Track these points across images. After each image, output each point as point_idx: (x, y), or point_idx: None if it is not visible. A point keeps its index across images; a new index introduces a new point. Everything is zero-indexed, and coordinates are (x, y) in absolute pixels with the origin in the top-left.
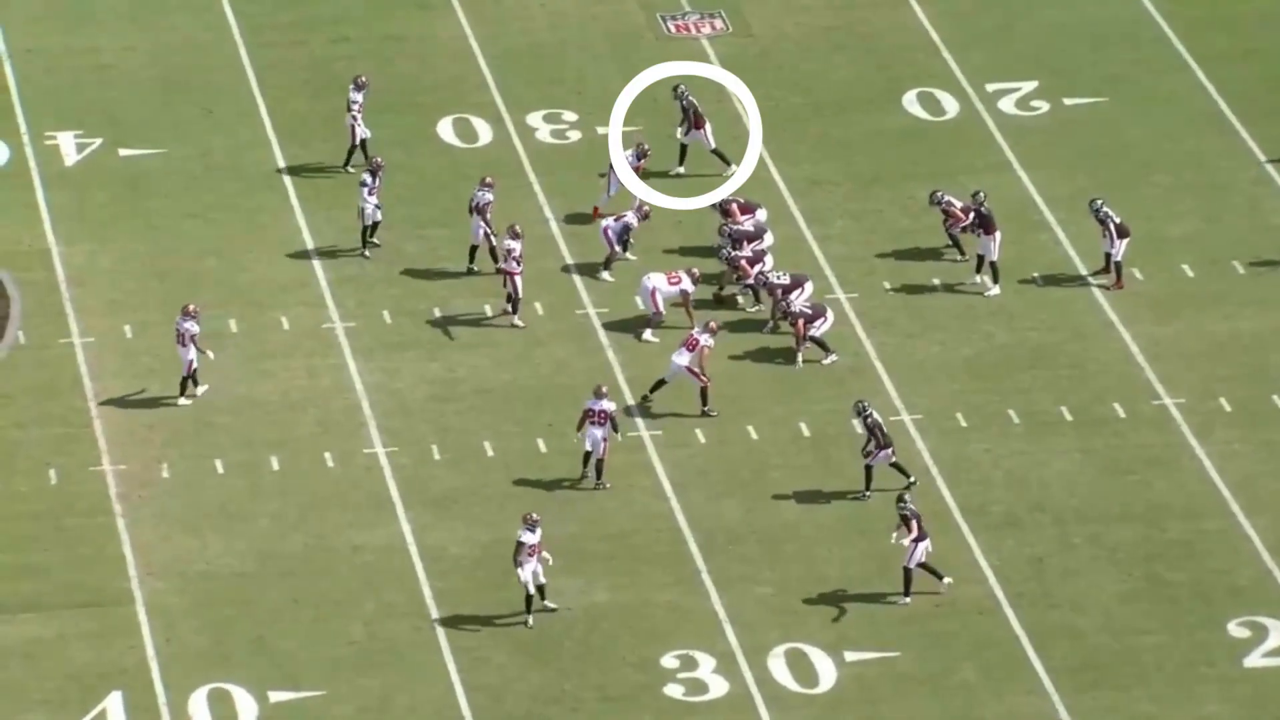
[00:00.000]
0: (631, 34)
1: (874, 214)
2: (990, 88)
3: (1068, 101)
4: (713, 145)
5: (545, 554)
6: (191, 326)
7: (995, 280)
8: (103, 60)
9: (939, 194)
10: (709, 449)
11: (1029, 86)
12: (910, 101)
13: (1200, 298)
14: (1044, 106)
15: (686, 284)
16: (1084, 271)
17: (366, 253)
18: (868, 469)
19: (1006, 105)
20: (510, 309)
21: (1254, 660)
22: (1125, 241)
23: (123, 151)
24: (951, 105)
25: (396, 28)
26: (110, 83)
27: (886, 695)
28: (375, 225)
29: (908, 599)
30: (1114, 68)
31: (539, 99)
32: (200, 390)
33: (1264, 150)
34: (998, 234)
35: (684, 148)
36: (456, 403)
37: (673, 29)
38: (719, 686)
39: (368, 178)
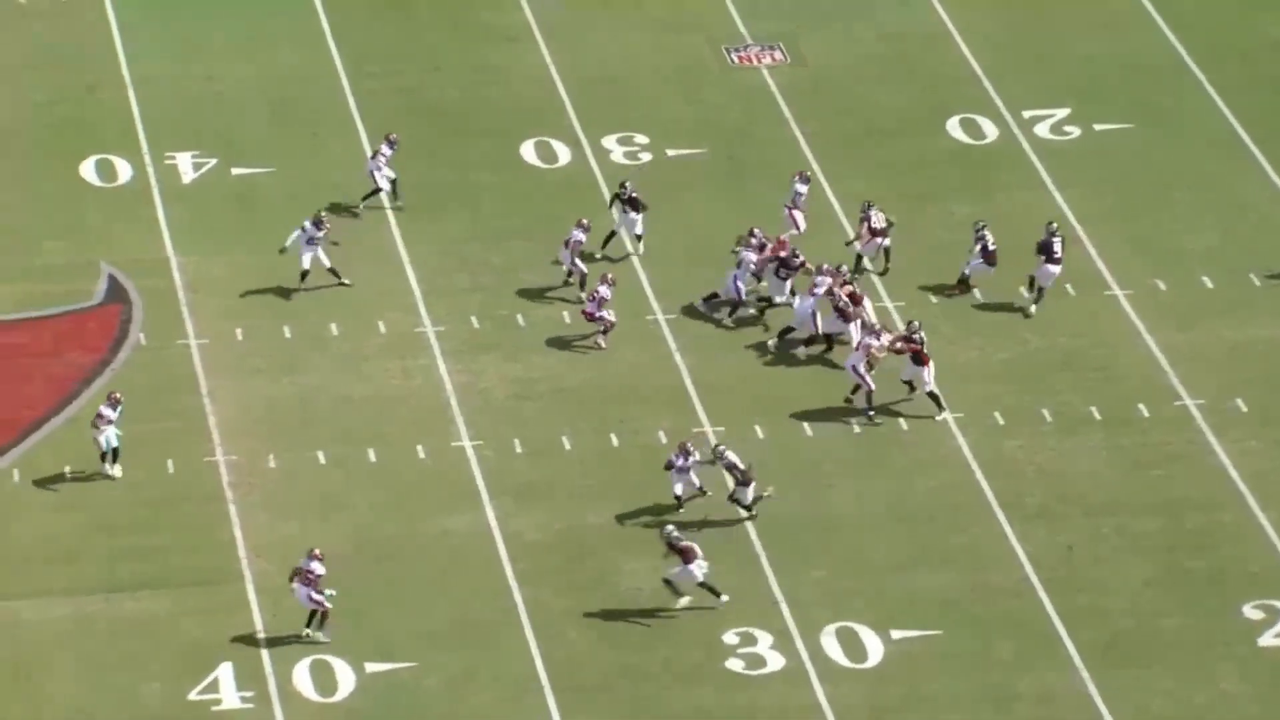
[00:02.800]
0: (698, 65)
1: (919, 228)
2: (1027, 114)
3: (1098, 127)
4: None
5: (328, 591)
6: (108, 412)
7: (1038, 301)
8: (217, 87)
9: (980, 226)
10: (767, 444)
11: (1062, 113)
12: (953, 126)
13: (1218, 307)
14: (1076, 131)
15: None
16: (1112, 283)
17: (400, 203)
18: (737, 503)
19: (1042, 130)
20: (602, 333)
21: (1267, 640)
22: (990, 268)
23: (235, 170)
24: (991, 130)
25: (485, 59)
26: (224, 108)
27: (929, 671)
28: (394, 182)
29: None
30: (1140, 96)
31: (613, 123)
32: (116, 470)
33: (1277, 171)
34: (1058, 268)
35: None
36: (535, 401)
37: (736, 60)
38: (775, 661)
39: (385, 148)
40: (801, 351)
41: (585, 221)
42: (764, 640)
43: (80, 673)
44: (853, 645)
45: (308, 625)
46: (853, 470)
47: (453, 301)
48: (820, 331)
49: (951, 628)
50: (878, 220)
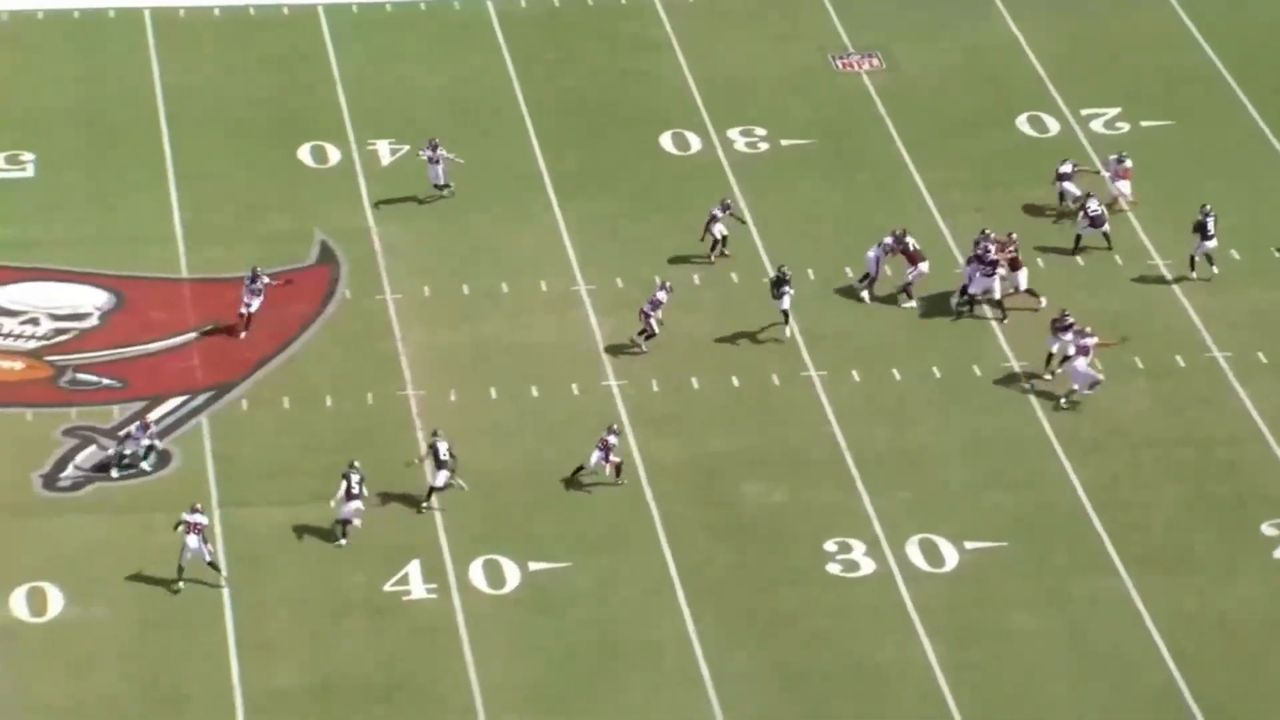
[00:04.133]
0: (809, 69)
1: (992, 210)
2: (1084, 112)
3: (1144, 124)
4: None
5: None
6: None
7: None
8: (410, 86)
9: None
10: (863, 385)
11: (1114, 111)
12: (1021, 122)
13: (1244, 276)
14: (1125, 127)
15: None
16: (1154, 254)
17: (448, 192)
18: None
19: (1097, 126)
20: (644, 336)
21: None
22: (923, 265)
23: (424, 154)
24: (1054, 125)
25: (631, 64)
26: (416, 104)
27: (997, 575)
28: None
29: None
30: (1180, 98)
31: (737, 118)
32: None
33: None
34: (1212, 243)
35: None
36: (670, 347)
37: (840, 66)
38: (868, 566)
39: (429, 151)
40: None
41: (727, 201)
42: (858, 549)
43: (297, 567)
44: (933, 553)
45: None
46: (934, 409)
47: (602, 265)
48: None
49: (1016, 540)
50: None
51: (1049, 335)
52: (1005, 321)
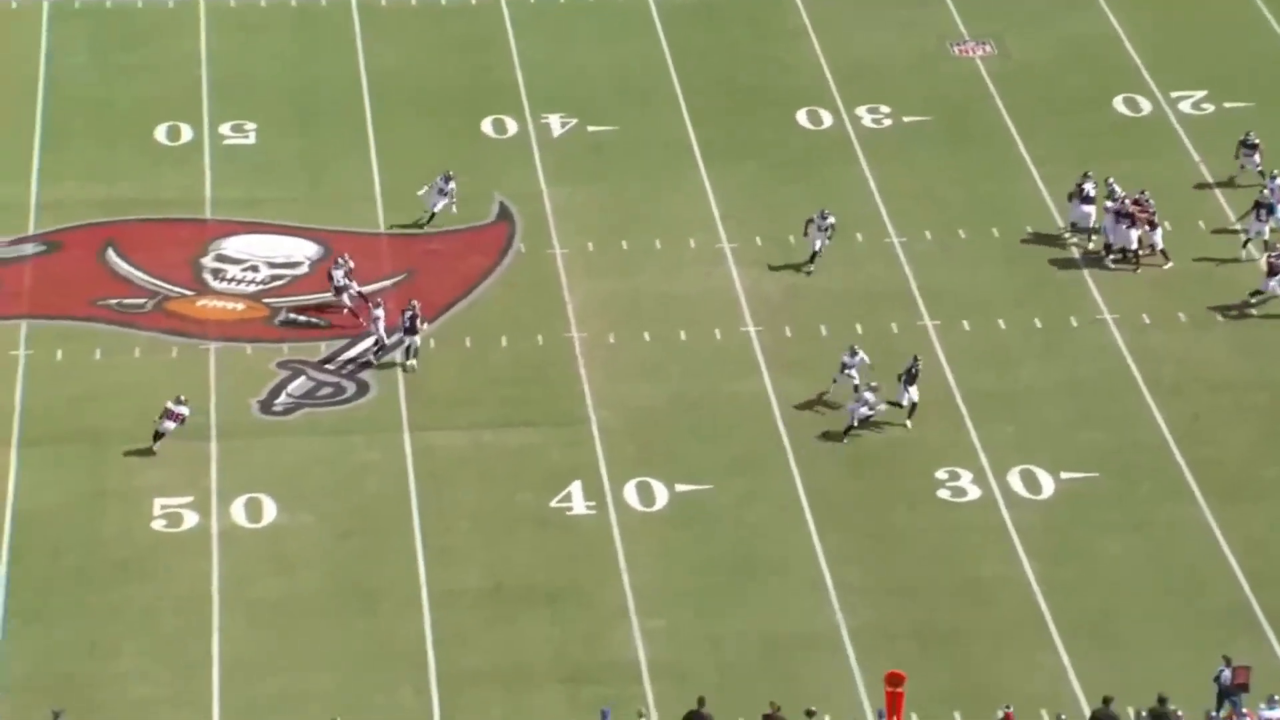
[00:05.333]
0: (929, 54)
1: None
2: (1173, 94)
3: (1227, 105)
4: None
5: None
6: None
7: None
8: (581, 66)
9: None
10: (972, 334)
11: (1200, 94)
12: (1117, 103)
13: None
14: (1210, 108)
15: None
16: (1234, 220)
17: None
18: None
19: (1185, 107)
20: None
21: None
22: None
23: (590, 128)
24: (1146, 106)
25: (772, 50)
26: (584, 83)
27: (1089, 502)
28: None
29: None
30: (1260, 81)
31: (865, 97)
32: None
33: None
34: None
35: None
36: (801, 299)
37: (957, 52)
38: (974, 492)
39: (440, 182)
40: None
41: (825, 211)
42: (965, 477)
43: (475, 485)
44: (1031, 482)
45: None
46: (1035, 354)
47: (743, 225)
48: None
49: (1106, 472)
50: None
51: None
52: (1137, 272)
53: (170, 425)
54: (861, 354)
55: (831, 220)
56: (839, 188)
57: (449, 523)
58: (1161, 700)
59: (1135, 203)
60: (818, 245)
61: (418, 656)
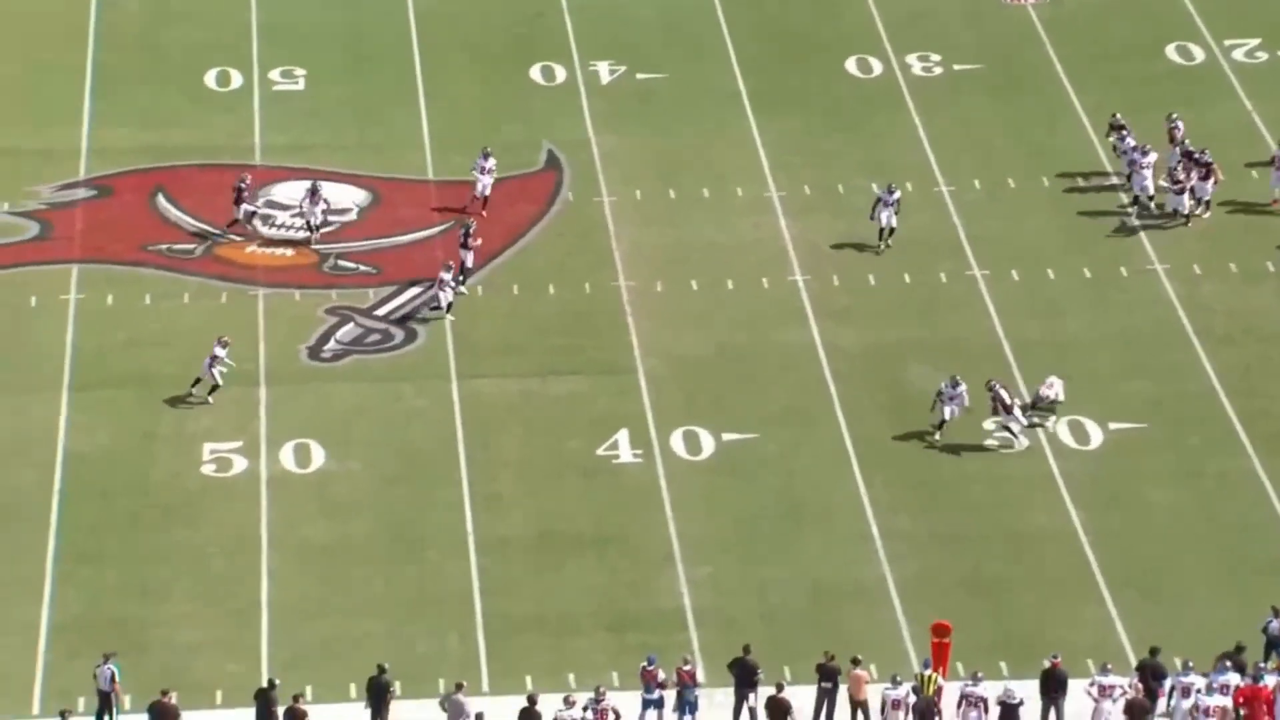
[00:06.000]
0: (981, 1)
1: (1141, 128)
2: (1227, 42)
3: None
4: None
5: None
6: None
7: None
8: (630, 13)
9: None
10: (1020, 283)
11: (1254, 42)
12: (1170, 51)
13: None
14: (1264, 56)
15: None
16: None
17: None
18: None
19: (1238, 55)
20: None
21: None
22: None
23: (639, 75)
24: (1199, 54)
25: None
26: (633, 31)
27: (1138, 452)
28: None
29: None
30: None
31: (915, 45)
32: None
33: None
34: None
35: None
36: (851, 248)
37: (1009, 1)
38: (1021, 442)
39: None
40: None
41: (893, 186)
42: (1013, 426)
43: (523, 432)
44: (1080, 432)
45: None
46: (1085, 306)
47: (791, 174)
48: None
49: (1155, 422)
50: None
51: None
52: (1188, 225)
53: (211, 369)
54: (963, 387)
55: (898, 196)
56: (888, 136)
57: (495, 470)
58: (1153, 651)
59: (1187, 155)
60: (884, 221)
61: (464, 603)
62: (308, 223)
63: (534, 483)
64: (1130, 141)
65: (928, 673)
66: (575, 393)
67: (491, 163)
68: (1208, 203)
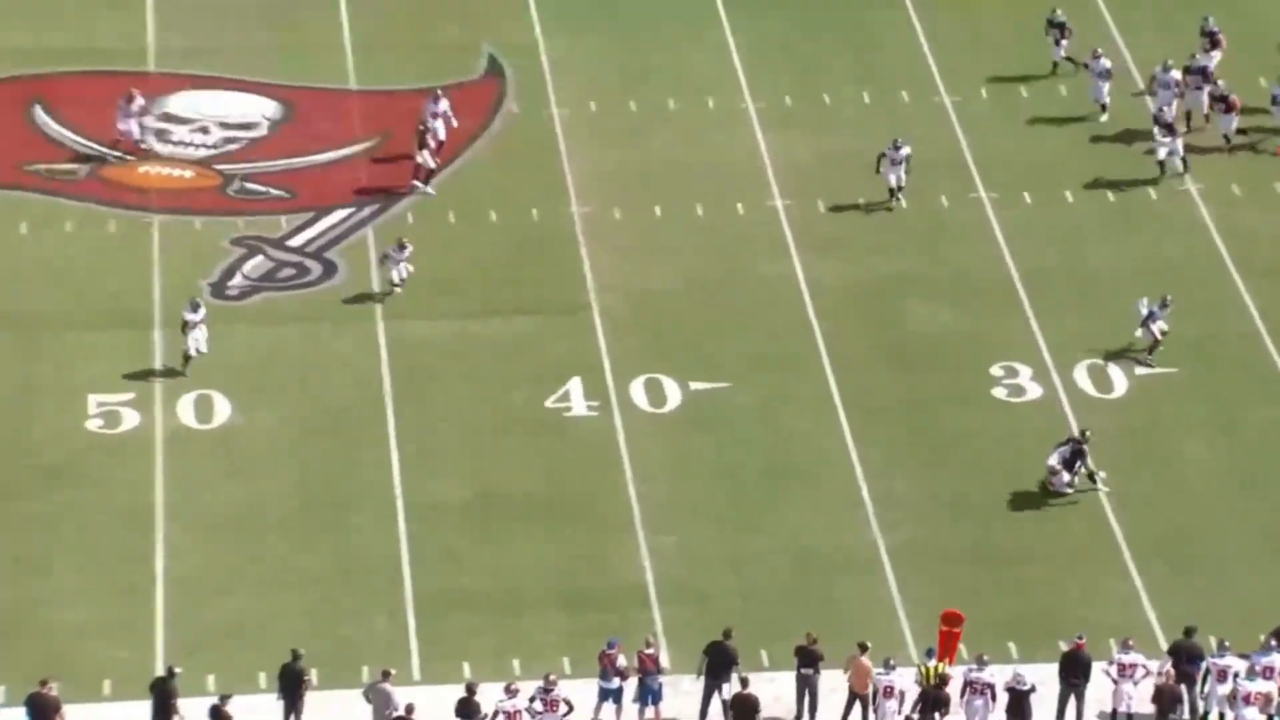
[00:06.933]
0: None
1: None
2: None
3: None
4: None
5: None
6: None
7: None
8: None
9: None
10: (1034, 208)
11: None
12: None
13: None
14: None
15: None
16: None
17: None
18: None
19: None
20: None
21: None
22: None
23: None
24: None
25: None
26: None
27: (1167, 400)
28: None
29: None
30: None
31: None
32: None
33: None
34: None
35: None
36: (837, 168)
37: None
38: (1034, 391)
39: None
40: None
41: (899, 141)
42: (1025, 373)
43: (460, 381)
44: (1101, 379)
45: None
46: (1108, 233)
47: (770, 83)
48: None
49: (1187, 367)
50: None
51: None
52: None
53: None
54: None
55: (906, 151)
56: (881, 38)
57: (430, 425)
58: (1188, 632)
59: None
60: (893, 180)
61: (392, 578)
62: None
63: (473, 439)
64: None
65: (931, 664)
66: (521, 335)
67: (444, 105)
68: (1228, 138)
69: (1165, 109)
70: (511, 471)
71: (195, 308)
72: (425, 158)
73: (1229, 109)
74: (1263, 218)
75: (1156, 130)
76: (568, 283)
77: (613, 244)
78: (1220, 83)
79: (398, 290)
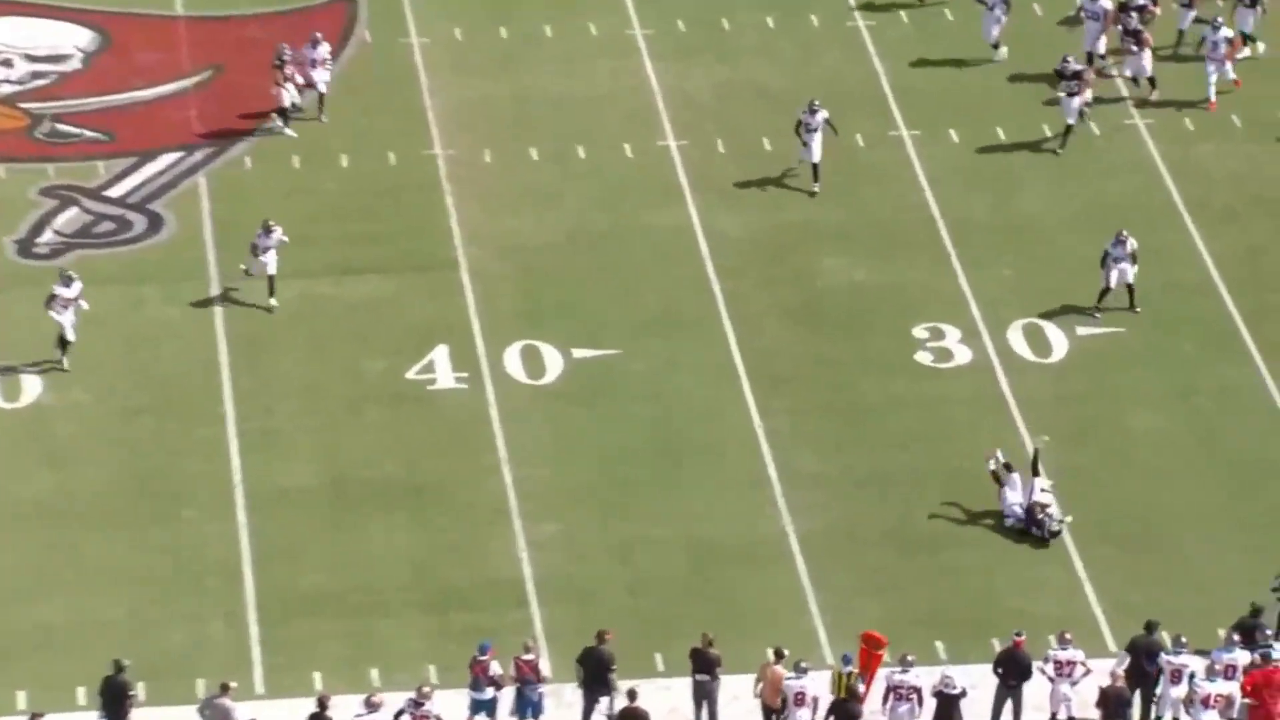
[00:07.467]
0: None
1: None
2: None
3: None
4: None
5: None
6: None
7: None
8: None
9: None
10: (961, 146)
11: None
12: None
13: None
14: None
15: None
16: None
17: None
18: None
19: None
20: None
21: None
22: None
23: None
24: None
25: None
26: None
27: (1113, 365)
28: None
29: None
30: None
31: None
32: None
33: None
34: None
35: None
36: (740, 102)
37: None
38: (963, 355)
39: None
40: None
41: (815, 103)
42: (952, 335)
43: (308, 350)
44: (1038, 340)
45: None
46: (1045, 172)
47: (661, 5)
48: None
49: (1136, 326)
50: None
51: None
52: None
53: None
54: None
55: (824, 115)
56: None
57: (272, 401)
58: (1256, 612)
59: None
60: (812, 154)
61: (231, 577)
62: None
63: (324, 417)
64: None
65: (847, 669)
66: (377, 297)
67: (324, 50)
68: (1152, 79)
69: (1094, 44)
70: (367, 453)
71: (68, 282)
72: (290, 91)
73: (1140, 44)
74: (1219, 154)
75: (1062, 83)
76: (430, 236)
77: (482, 191)
78: (1134, 15)
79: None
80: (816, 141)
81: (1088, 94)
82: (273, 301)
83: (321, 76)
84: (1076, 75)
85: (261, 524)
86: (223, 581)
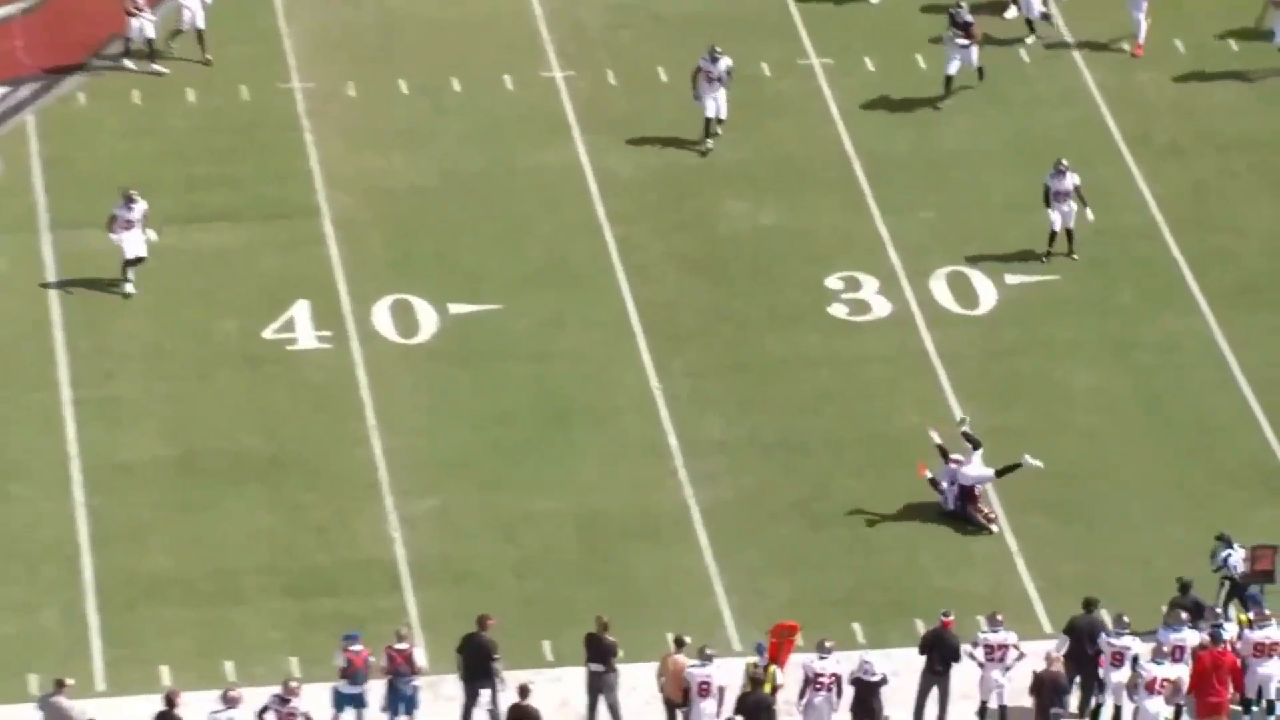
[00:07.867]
0: None
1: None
2: None
3: None
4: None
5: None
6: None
7: None
8: None
9: None
10: (878, 76)
11: None
12: None
13: None
14: None
15: None
16: None
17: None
18: None
19: None
20: None
21: None
22: None
23: None
24: None
25: None
26: None
27: (1046, 316)
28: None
29: None
30: None
31: None
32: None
33: None
34: None
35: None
36: (632, 29)
37: None
38: (882, 307)
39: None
40: None
41: (717, 51)
42: (869, 285)
43: (152, 307)
44: (963, 290)
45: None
46: (969, 104)
47: None
48: None
49: (1070, 272)
50: None
51: None
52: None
53: None
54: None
55: (727, 64)
56: None
57: (113, 364)
58: (1184, 588)
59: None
60: (711, 109)
61: (67, 561)
62: None
63: (170, 381)
64: None
65: (754, 660)
66: (229, 248)
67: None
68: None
69: None
70: (220, 422)
71: (129, 202)
72: (143, 26)
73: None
74: (1160, 82)
75: (952, 30)
76: (288, 180)
77: (346, 129)
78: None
79: (131, 267)
80: (720, 95)
81: (974, 51)
82: (128, 287)
83: (193, 13)
84: (966, 26)
85: (101, 502)
86: (58, 566)
